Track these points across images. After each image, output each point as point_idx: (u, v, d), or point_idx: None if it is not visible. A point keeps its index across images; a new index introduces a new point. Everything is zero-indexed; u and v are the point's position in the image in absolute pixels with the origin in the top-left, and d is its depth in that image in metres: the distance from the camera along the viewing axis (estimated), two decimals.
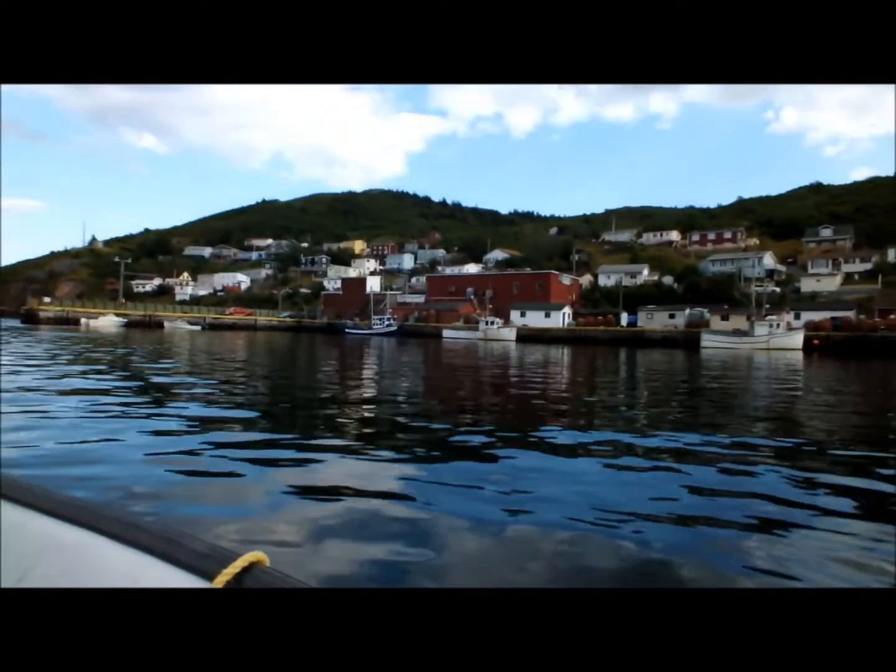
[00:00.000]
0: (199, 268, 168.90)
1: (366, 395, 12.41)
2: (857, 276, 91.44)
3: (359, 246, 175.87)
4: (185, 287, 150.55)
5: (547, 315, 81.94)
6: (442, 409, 10.33)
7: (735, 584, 3.19)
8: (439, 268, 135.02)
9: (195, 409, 8.83)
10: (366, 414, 9.28)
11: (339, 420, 8.55)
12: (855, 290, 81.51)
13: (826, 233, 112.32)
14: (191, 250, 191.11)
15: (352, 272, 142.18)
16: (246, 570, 1.06)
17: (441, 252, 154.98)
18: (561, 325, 78.91)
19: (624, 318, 78.32)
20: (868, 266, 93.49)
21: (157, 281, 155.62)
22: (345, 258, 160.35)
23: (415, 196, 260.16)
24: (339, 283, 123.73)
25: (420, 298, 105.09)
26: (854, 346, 56.29)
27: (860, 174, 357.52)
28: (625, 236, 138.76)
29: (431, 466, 5.79)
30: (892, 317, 64.34)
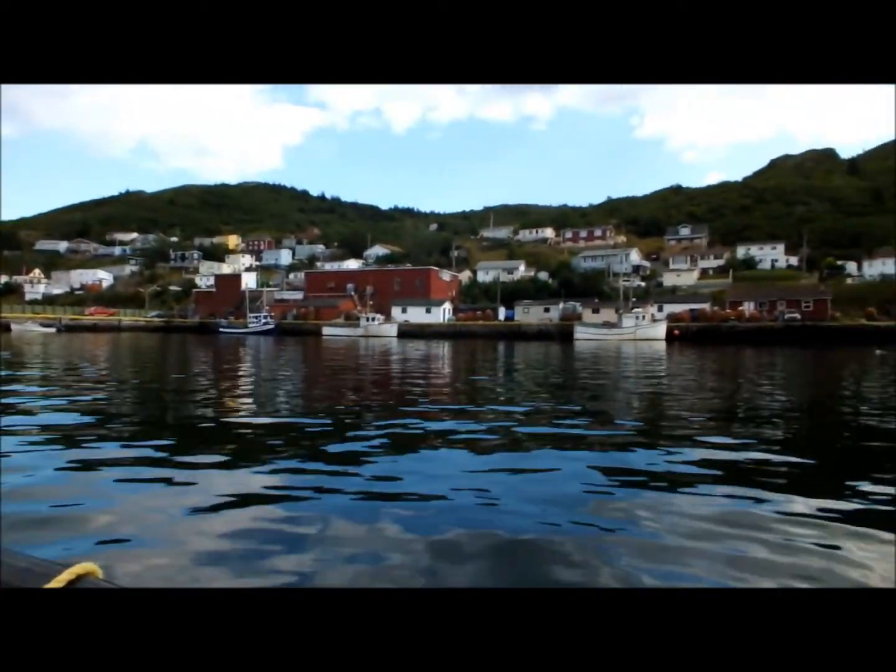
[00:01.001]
0: (52, 264, 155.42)
1: (240, 400, 11.80)
2: (711, 272, 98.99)
3: (233, 241, 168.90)
4: (37, 285, 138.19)
5: (428, 311, 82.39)
6: (319, 414, 9.97)
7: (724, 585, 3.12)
8: (318, 263, 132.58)
9: (42, 420, 7.97)
10: (238, 420, 8.77)
11: (208, 429, 8.01)
12: (710, 284, 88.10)
13: (685, 231, 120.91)
14: (43, 244, 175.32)
15: (226, 268, 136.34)
16: (72, 583, 0.99)
17: (320, 247, 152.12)
18: (442, 321, 79.62)
19: (502, 313, 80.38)
20: (721, 262, 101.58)
21: (2, 279, 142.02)
22: (218, 254, 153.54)
23: (292, 190, 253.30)
24: (212, 280, 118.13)
25: (299, 295, 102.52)
26: (709, 335, 60.98)
27: (713, 178, 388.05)
28: (502, 233, 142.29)
29: (300, 472, 5.47)
30: (740, 308, 70.47)
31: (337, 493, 4.65)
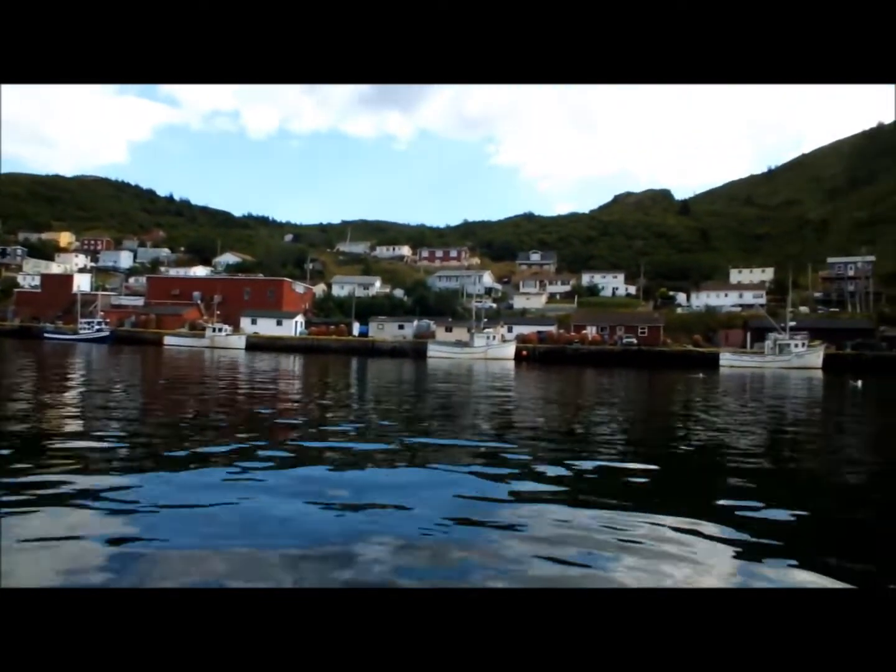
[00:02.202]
0: None
1: (56, 418, 10.24)
2: (558, 296, 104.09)
3: (65, 238, 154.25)
4: None
5: (279, 323, 79.70)
6: (130, 439, 8.81)
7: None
8: (162, 268, 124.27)
9: None
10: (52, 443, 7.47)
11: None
12: (557, 308, 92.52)
13: (535, 257, 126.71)
14: None
15: (55, 268, 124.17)
16: None
17: (165, 251, 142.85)
18: (293, 334, 77.29)
19: (356, 328, 79.44)
20: (567, 288, 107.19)
21: None
22: (47, 251, 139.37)
23: (137, 188, 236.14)
24: (37, 280, 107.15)
25: (139, 301, 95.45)
26: (555, 355, 63.83)
27: (563, 209, 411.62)
28: (359, 248, 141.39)
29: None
30: (584, 331, 74.58)
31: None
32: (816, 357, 58.13)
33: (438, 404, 14.20)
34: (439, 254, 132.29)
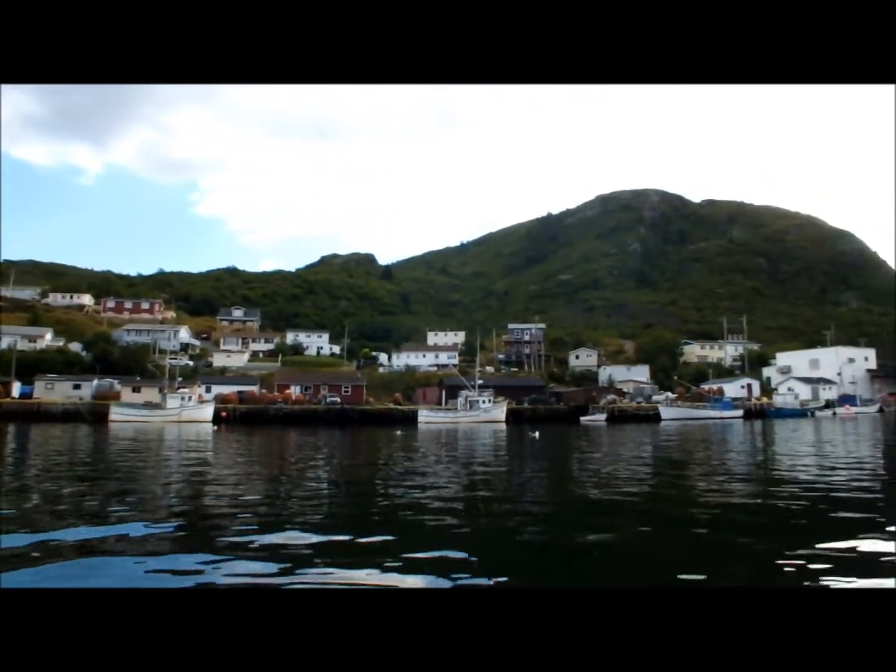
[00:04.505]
0: None
1: None
2: (261, 354, 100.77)
3: None
4: None
5: None
6: None
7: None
8: None
9: None
10: None
11: None
12: (259, 367, 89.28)
13: (238, 313, 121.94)
14: None
15: None
16: None
17: None
18: None
19: (17, 389, 67.16)
20: (271, 346, 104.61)
21: None
22: None
23: None
24: None
25: None
26: (257, 416, 61.08)
27: (269, 265, 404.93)
28: (26, 294, 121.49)
29: None
30: (287, 391, 72.66)
31: None
32: (501, 412, 64.29)
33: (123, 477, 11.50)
34: (128, 305, 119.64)
